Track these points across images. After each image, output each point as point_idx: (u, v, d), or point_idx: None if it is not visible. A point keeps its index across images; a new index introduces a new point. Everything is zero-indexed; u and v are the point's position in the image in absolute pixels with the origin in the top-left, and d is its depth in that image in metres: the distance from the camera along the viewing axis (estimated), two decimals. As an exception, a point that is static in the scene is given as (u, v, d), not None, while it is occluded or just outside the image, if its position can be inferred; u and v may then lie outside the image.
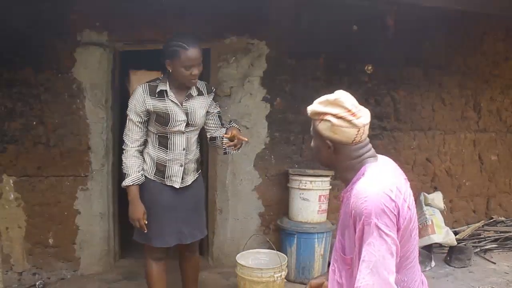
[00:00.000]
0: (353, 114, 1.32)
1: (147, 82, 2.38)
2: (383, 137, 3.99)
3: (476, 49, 4.39)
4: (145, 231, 2.33)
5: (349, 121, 1.31)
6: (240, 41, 3.45)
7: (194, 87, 2.40)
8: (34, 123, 3.12)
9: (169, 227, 2.40)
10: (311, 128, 1.43)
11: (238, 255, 2.90)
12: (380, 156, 1.45)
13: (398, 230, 1.29)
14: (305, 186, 3.30)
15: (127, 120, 2.35)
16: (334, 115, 1.32)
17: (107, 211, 3.33)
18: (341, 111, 1.32)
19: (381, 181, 1.31)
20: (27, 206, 3.15)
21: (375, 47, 3.74)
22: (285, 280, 2.98)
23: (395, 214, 1.27)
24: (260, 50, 3.51)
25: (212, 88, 2.56)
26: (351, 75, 3.80)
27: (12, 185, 3.11)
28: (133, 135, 2.34)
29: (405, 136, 4.14)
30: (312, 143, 1.48)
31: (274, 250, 2.94)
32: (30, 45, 3.05)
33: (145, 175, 2.39)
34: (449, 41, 4.19)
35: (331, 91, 1.39)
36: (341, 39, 3.67)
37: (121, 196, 3.58)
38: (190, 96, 2.39)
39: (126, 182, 2.33)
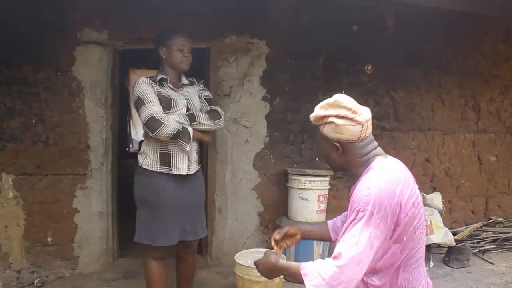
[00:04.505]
0: (354, 112, 1.37)
1: (144, 77, 2.46)
2: (382, 137, 3.98)
3: (476, 49, 4.39)
4: None
5: (351, 119, 1.36)
6: (240, 40, 3.46)
7: (184, 77, 2.53)
8: (34, 121, 3.12)
9: (174, 223, 2.41)
10: (318, 136, 1.48)
11: (237, 254, 2.89)
12: (390, 157, 1.47)
13: (398, 225, 1.29)
14: (304, 186, 3.30)
15: (143, 106, 2.29)
16: (337, 116, 1.37)
17: (106, 210, 3.32)
18: (342, 111, 1.37)
19: (387, 174, 1.34)
20: (26, 204, 3.15)
21: (375, 47, 3.74)
22: (284, 280, 2.98)
23: (394, 209, 1.28)
24: (260, 50, 3.51)
25: (200, 80, 2.70)
26: (351, 75, 3.80)
27: (11, 183, 3.11)
28: (155, 107, 2.29)
29: (405, 137, 4.14)
30: (321, 150, 1.52)
31: (273, 249, 2.93)
32: (30, 43, 3.06)
33: (149, 169, 2.40)
34: (449, 41, 4.20)
35: (331, 91, 1.43)
36: (341, 39, 3.67)
37: (120, 195, 3.59)
38: (183, 85, 2.52)
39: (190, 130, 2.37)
